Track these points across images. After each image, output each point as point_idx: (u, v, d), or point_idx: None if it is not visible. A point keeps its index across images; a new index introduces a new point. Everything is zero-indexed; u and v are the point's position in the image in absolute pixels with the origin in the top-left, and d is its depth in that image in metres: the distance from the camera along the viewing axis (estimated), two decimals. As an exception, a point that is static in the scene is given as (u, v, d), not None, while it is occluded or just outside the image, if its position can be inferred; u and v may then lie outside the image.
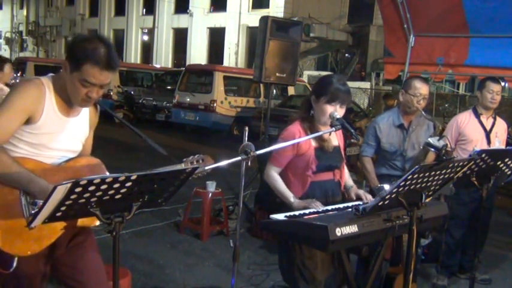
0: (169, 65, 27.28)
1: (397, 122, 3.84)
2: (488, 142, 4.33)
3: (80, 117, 2.38)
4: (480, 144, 4.28)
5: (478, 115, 4.38)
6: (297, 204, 2.83)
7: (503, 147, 4.40)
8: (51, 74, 2.30)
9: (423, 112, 3.82)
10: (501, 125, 4.47)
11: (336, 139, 3.09)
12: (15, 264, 2.17)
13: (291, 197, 2.88)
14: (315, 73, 20.84)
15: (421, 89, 3.75)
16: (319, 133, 2.88)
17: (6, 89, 4.89)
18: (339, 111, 2.88)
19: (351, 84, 3.60)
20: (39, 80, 2.24)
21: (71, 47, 2.20)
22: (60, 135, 2.28)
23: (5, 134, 2.13)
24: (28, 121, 2.18)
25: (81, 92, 2.17)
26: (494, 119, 4.43)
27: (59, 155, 2.30)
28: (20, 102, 2.15)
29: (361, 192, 3.08)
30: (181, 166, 2.50)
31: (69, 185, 1.74)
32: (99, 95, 2.22)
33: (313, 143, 2.96)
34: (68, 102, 2.27)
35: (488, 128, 4.36)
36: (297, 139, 2.85)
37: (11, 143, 2.19)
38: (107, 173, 2.32)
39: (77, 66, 2.14)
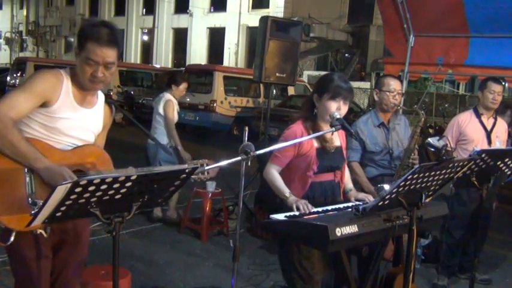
0: (169, 65, 27.29)
1: (376, 122, 3.84)
2: (489, 142, 4.32)
3: (95, 110, 2.46)
4: (481, 144, 4.28)
5: (479, 115, 4.38)
6: (291, 200, 2.81)
7: (503, 147, 4.40)
8: (69, 67, 2.41)
9: (401, 105, 3.85)
10: (502, 126, 4.47)
11: (338, 139, 3.09)
12: (12, 238, 2.20)
13: (286, 191, 2.87)
14: (315, 73, 20.83)
15: (395, 84, 3.79)
16: (320, 133, 2.88)
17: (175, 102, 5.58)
18: (342, 108, 2.87)
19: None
20: (58, 70, 2.37)
21: (79, 32, 2.34)
22: (74, 123, 2.35)
23: (19, 112, 2.20)
24: (44, 104, 2.26)
25: (87, 71, 2.27)
26: (495, 119, 4.42)
27: (70, 142, 2.35)
28: (38, 85, 2.25)
29: (362, 195, 3.08)
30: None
31: (69, 185, 1.74)
32: (105, 76, 2.30)
33: (315, 143, 2.96)
34: (83, 92, 2.38)
35: (489, 128, 4.36)
36: (298, 139, 2.85)
37: (26, 124, 2.26)
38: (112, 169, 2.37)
39: (82, 47, 2.27)
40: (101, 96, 2.51)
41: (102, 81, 2.32)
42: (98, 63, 2.26)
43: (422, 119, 3.85)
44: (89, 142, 2.45)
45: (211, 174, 2.59)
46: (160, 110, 5.48)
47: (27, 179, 2.19)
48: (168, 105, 5.46)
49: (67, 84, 2.33)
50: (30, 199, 2.19)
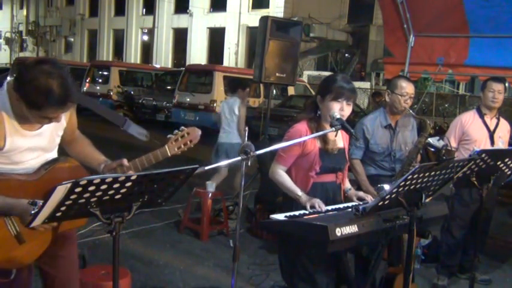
0: (169, 65, 27.28)
1: (384, 123, 3.82)
2: (492, 143, 4.30)
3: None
4: (483, 144, 4.26)
5: (482, 115, 4.36)
6: (305, 198, 2.82)
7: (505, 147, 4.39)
8: (6, 84, 2.16)
9: (411, 111, 3.82)
10: (504, 126, 4.44)
11: (341, 141, 3.08)
12: (14, 271, 2.21)
13: (298, 191, 2.87)
14: (315, 73, 20.85)
15: (407, 88, 3.74)
16: (323, 132, 2.87)
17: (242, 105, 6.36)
18: (345, 109, 2.87)
19: (350, 84, 3.60)
20: None
21: (23, 89, 2.02)
22: (34, 147, 2.25)
23: None
24: None
25: (43, 122, 2.17)
26: (498, 119, 4.41)
27: (37, 162, 2.28)
28: None
29: (362, 193, 3.08)
30: (166, 150, 2.45)
31: (69, 185, 1.74)
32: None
33: (318, 144, 2.96)
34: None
35: (492, 128, 4.34)
36: (301, 138, 2.85)
37: None
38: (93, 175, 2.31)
39: (34, 108, 2.04)
40: None
41: None
42: (56, 117, 2.14)
43: (429, 130, 3.82)
44: (55, 145, 2.35)
45: (193, 142, 2.51)
46: (237, 111, 6.31)
47: (8, 221, 2.16)
48: (242, 106, 6.34)
49: (8, 117, 2.14)
50: (18, 238, 2.17)
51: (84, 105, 2.43)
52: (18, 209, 2.11)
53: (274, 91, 12.57)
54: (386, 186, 2.83)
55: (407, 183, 2.38)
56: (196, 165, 2.06)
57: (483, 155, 3.04)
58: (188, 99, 13.89)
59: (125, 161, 2.37)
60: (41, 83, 1.99)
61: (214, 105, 13.28)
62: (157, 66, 22.80)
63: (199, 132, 2.53)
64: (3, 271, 2.21)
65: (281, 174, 2.96)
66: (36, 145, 2.26)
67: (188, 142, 2.50)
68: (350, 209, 2.71)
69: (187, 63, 22.26)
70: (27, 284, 2.40)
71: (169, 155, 2.45)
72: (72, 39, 35.24)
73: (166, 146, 2.45)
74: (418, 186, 2.44)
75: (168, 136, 2.47)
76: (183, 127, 2.52)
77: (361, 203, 2.93)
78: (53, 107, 2.04)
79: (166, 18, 28.74)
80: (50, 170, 2.27)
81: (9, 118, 2.15)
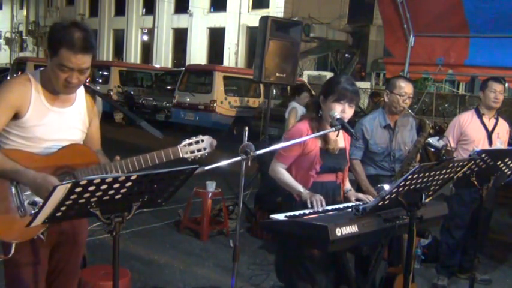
0: (169, 65, 27.28)
1: (383, 123, 3.82)
2: (490, 143, 4.31)
3: (75, 106, 2.40)
4: (482, 144, 4.27)
5: (480, 115, 4.37)
6: (306, 194, 2.82)
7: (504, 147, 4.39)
8: (40, 68, 2.34)
9: (410, 111, 3.82)
10: (503, 126, 4.45)
11: (342, 141, 3.08)
12: (13, 249, 2.20)
13: (299, 187, 2.87)
14: (315, 73, 20.86)
15: (406, 87, 3.75)
16: (322, 132, 2.87)
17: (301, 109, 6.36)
18: (347, 111, 2.87)
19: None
20: (26, 75, 2.30)
21: (49, 34, 2.23)
22: (53, 126, 2.30)
23: None
24: (16, 116, 2.22)
25: (60, 77, 2.20)
26: (497, 119, 4.42)
27: (54, 145, 2.31)
28: (5, 98, 2.20)
29: (362, 195, 3.08)
30: (178, 150, 2.47)
31: (68, 185, 1.73)
32: (79, 80, 2.24)
33: (319, 144, 2.96)
34: (58, 93, 2.30)
35: (490, 128, 4.35)
36: (301, 138, 2.85)
37: (5, 136, 2.24)
38: (102, 166, 2.34)
39: (54, 52, 2.17)
40: (79, 89, 2.40)
41: (77, 86, 2.27)
42: (72, 70, 2.18)
43: (428, 130, 3.82)
44: (75, 140, 2.39)
45: (207, 150, 2.54)
46: (286, 116, 6.59)
47: (13, 190, 2.17)
48: (291, 112, 6.52)
49: (36, 89, 2.26)
50: (20, 211, 2.17)
51: (108, 102, 2.57)
52: (24, 176, 2.14)
53: (274, 91, 12.58)
54: (386, 186, 2.84)
55: (407, 183, 2.38)
56: (196, 165, 2.06)
57: (483, 155, 3.04)
58: (188, 99, 13.89)
59: (117, 158, 2.42)
60: (66, 29, 2.17)
61: (214, 105, 13.28)
62: (157, 66, 22.80)
63: (214, 141, 2.56)
64: (5, 244, 2.20)
65: (281, 172, 2.96)
66: (54, 122, 2.30)
67: (202, 149, 2.53)
68: (350, 209, 2.71)
69: (187, 63, 22.26)
70: (39, 271, 2.40)
71: (180, 155, 2.48)
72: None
73: (178, 147, 2.49)
74: (418, 186, 2.44)
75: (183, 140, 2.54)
76: (200, 135, 2.56)
77: (361, 202, 2.93)
78: (68, 50, 2.14)
79: (166, 18, 28.74)
80: (62, 148, 2.32)
81: (37, 91, 2.27)
